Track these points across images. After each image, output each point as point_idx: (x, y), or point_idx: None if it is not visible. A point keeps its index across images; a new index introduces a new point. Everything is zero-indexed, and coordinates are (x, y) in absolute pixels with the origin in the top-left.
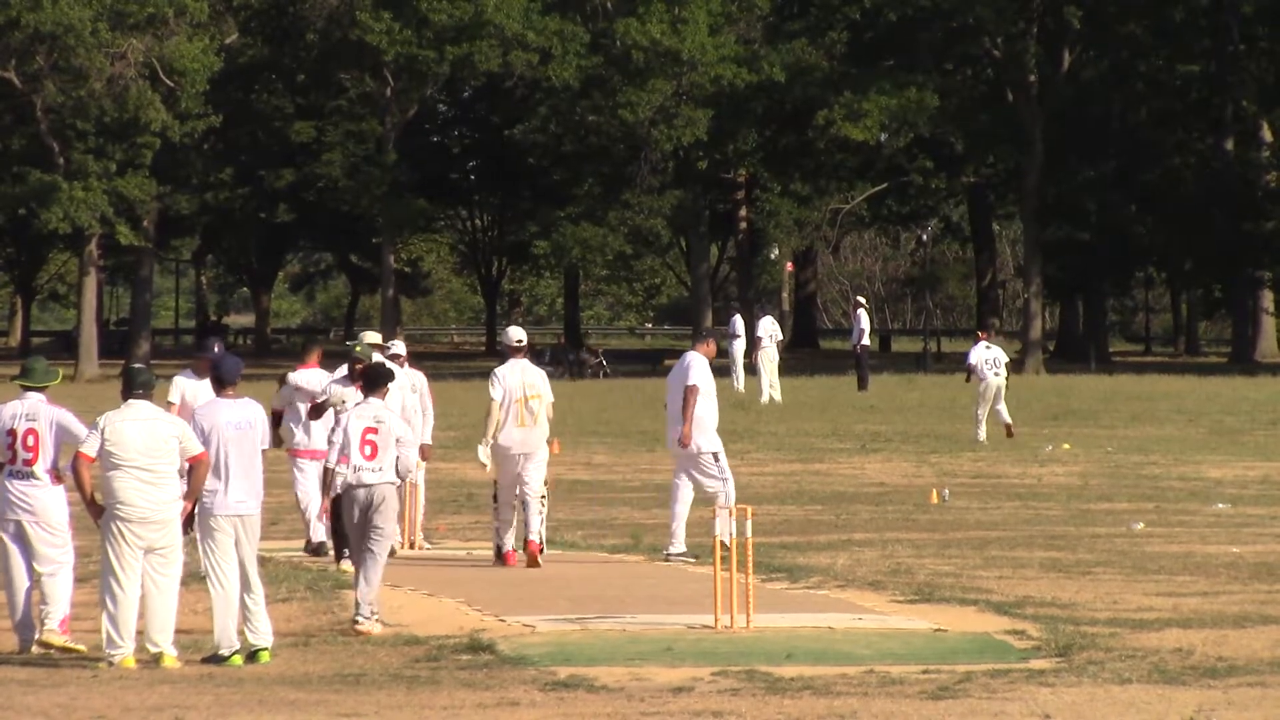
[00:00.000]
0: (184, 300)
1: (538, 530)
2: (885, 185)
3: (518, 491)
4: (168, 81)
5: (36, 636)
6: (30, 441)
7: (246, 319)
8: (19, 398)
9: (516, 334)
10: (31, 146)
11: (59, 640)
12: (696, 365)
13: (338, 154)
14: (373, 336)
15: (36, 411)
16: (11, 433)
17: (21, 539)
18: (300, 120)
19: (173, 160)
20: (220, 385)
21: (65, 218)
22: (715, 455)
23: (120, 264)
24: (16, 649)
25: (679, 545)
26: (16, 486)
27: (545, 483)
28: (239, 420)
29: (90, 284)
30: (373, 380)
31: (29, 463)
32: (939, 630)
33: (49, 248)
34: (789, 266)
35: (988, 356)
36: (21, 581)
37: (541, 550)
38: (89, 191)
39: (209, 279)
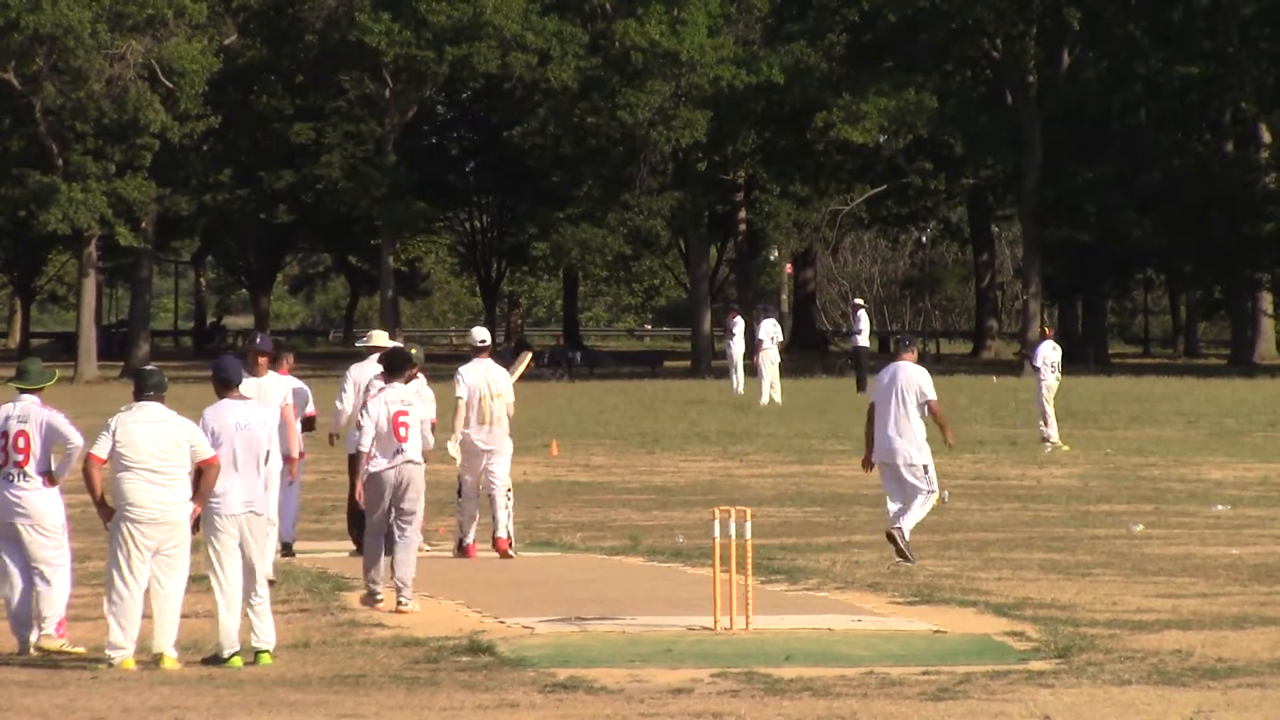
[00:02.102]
0: (183, 302)
1: (505, 526)
2: (884, 187)
3: (483, 486)
4: (167, 83)
5: (34, 639)
6: (21, 444)
7: (246, 320)
8: (13, 400)
9: (480, 334)
10: (30, 148)
11: (55, 644)
12: (926, 378)
13: (337, 155)
14: (380, 337)
15: (28, 414)
16: (3, 435)
17: (16, 541)
18: (299, 121)
19: (172, 161)
20: (226, 386)
21: (64, 219)
22: (925, 467)
23: (119, 265)
24: (16, 650)
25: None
26: (9, 490)
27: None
28: (247, 421)
29: (89, 285)
30: (395, 365)
31: (20, 465)
32: (938, 632)
33: (48, 249)
34: (788, 268)
35: (1054, 359)
36: (18, 583)
37: (510, 544)
38: (88, 193)
39: (208, 280)
